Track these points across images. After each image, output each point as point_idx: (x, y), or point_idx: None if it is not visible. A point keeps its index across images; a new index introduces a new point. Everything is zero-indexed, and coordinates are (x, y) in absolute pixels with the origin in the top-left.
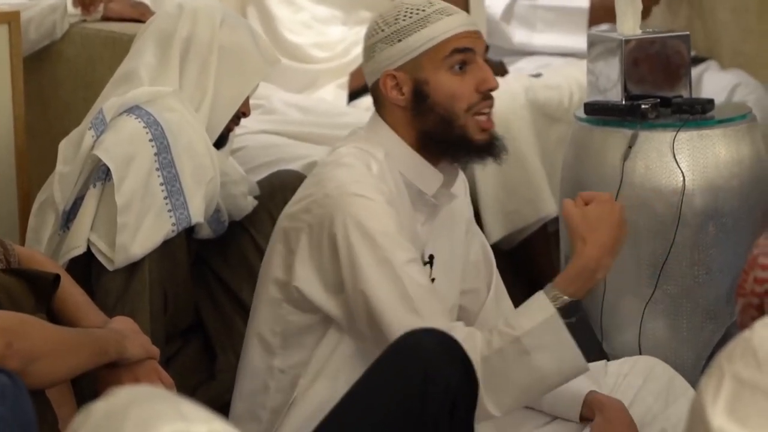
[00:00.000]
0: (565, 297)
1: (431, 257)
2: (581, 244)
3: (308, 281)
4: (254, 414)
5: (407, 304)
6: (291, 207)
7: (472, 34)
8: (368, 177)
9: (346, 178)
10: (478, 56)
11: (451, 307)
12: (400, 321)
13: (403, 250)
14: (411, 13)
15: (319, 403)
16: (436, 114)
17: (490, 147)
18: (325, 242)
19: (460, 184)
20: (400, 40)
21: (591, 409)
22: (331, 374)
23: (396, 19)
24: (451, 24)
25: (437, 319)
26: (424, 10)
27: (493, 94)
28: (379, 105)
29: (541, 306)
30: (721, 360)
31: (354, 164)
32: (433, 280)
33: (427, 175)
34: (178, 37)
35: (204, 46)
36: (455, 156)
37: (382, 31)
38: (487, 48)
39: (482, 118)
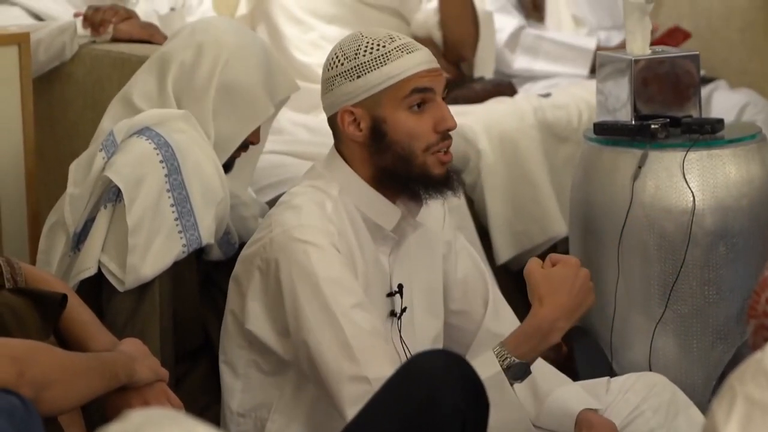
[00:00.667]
0: (513, 357)
1: (400, 287)
2: (537, 304)
3: (259, 324)
4: None
5: (347, 352)
6: (245, 250)
7: (432, 73)
8: (316, 219)
9: (292, 221)
10: (438, 95)
11: (435, 335)
12: (339, 369)
13: (349, 294)
14: (371, 48)
15: None
16: (394, 152)
17: (448, 181)
18: (272, 287)
19: (437, 209)
20: (359, 77)
21: (581, 427)
22: (303, 418)
23: (356, 54)
24: (411, 62)
25: (378, 366)
26: (384, 46)
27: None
28: (337, 139)
29: (488, 363)
30: (732, 381)
31: (303, 206)
32: (404, 309)
33: (384, 210)
34: (175, 68)
35: (201, 81)
36: (413, 192)
37: (342, 65)
38: (447, 84)
39: (440, 154)
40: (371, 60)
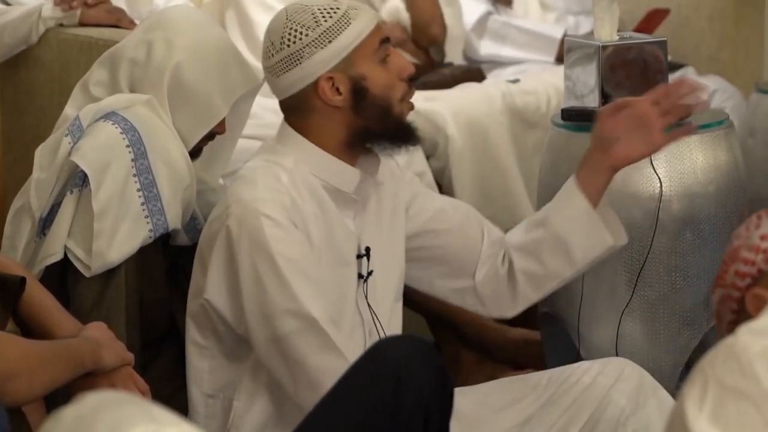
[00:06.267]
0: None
1: (367, 249)
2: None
3: (217, 295)
4: None
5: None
6: (206, 228)
7: (382, 24)
8: (272, 192)
9: (247, 196)
10: (392, 45)
11: (395, 297)
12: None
13: (301, 274)
14: (329, 13)
15: (263, 423)
16: (376, 107)
17: (415, 130)
18: (230, 261)
19: (387, 168)
20: (330, 41)
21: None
22: (267, 391)
23: (317, 22)
24: (368, 17)
25: (349, 349)
26: (339, 8)
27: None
28: (302, 111)
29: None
30: (703, 366)
31: (258, 180)
32: (371, 272)
33: (343, 173)
34: (125, 65)
35: (151, 81)
36: (391, 145)
37: (306, 35)
38: (416, 69)
39: (409, 102)
40: (335, 23)
